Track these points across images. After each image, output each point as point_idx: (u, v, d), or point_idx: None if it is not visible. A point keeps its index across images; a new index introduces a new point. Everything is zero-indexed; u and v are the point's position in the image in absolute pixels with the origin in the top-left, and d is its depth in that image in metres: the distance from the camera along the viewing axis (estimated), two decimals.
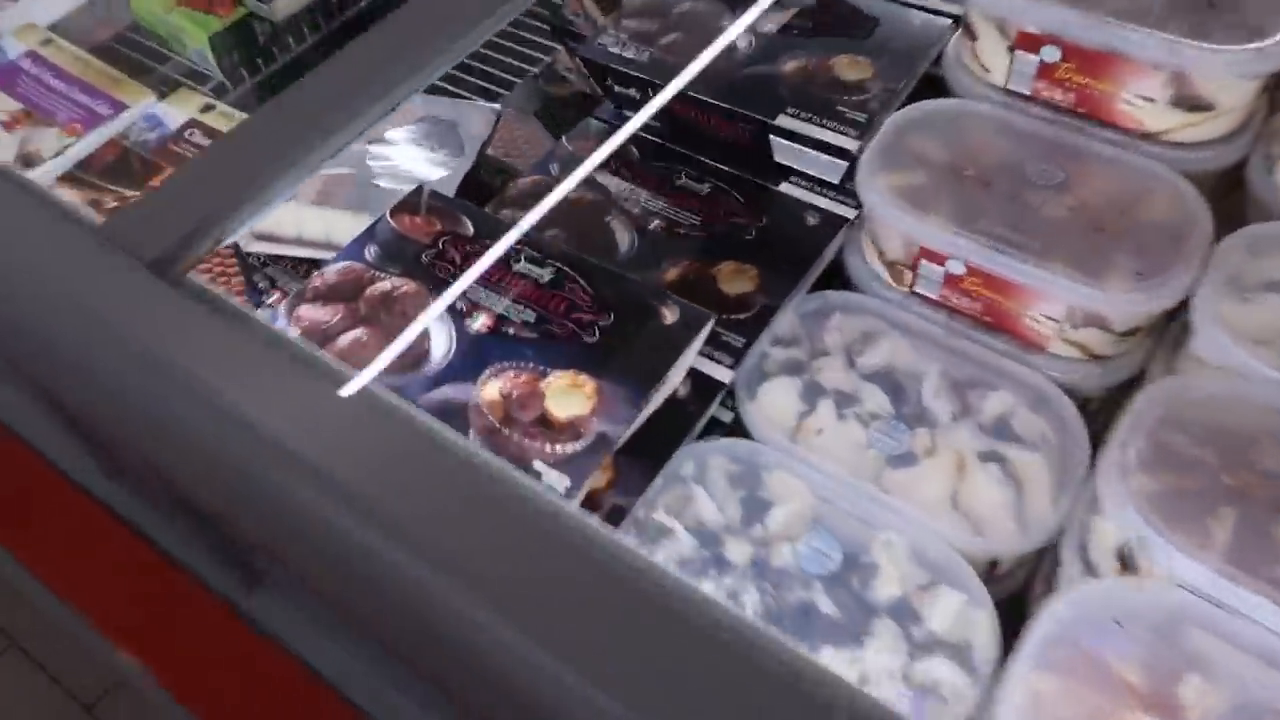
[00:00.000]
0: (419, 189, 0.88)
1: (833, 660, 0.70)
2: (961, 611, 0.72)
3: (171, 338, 0.51)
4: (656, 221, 0.94)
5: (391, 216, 0.86)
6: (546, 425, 0.71)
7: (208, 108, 1.31)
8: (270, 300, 1.00)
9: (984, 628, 0.71)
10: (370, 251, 0.84)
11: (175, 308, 0.53)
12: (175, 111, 1.30)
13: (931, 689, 0.69)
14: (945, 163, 0.88)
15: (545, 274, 0.81)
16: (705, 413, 0.80)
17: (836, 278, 0.94)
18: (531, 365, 0.74)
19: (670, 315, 0.78)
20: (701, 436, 0.82)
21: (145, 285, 0.54)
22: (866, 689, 0.69)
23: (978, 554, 0.75)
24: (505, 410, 0.72)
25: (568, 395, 0.72)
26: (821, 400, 0.83)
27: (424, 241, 0.84)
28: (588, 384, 0.73)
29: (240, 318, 0.53)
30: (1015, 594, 0.79)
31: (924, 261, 0.85)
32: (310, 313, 0.79)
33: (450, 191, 0.99)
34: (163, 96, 1.32)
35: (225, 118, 1.31)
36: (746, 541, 0.76)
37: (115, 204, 1.20)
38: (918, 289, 0.88)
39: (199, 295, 0.53)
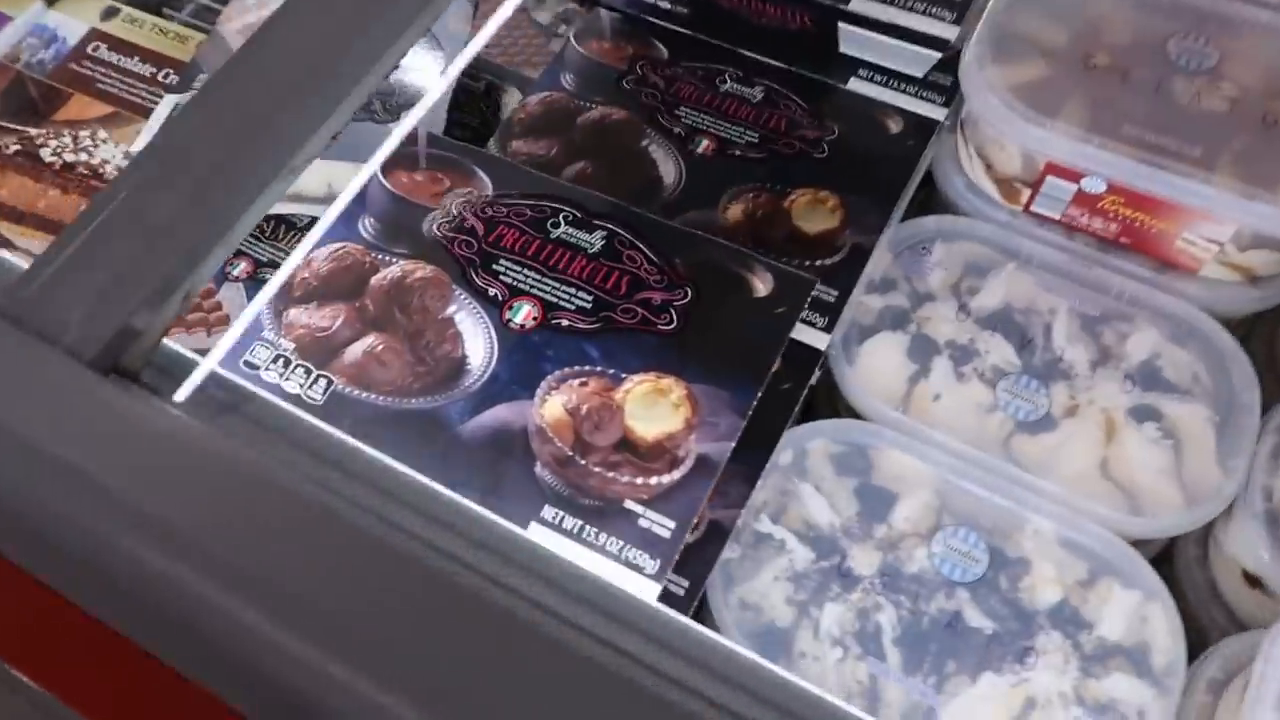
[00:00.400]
0: (413, 135, 0.70)
1: (995, 689, 0.59)
2: (1135, 610, 0.61)
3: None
4: (704, 141, 0.77)
5: (385, 176, 0.68)
6: (631, 449, 0.57)
7: (110, 12, 1.08)
8: (236, 272, 0.82)
9: (1162, 626, 0.61)
10: (367, 225, 0.66)
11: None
12: (70, 21, 1.07)
13: (1109, 707, 0.59)
14: (1068, 49, 0.71)
15: (594, 241, 0.64)
16: (804, 390, 0.66)
17: (922, 193, 0.78)
18: (599, 369, 0.59)
19: (763, 284, 0.62)
20: None
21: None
22: (1034, 717, 0.58)
23: (1136, 533, 0.64)
24: (576, 432, 0.57)
25: (652, 406, 0.58)
26: (936, 359, 0.69)
27: (430, 206, 0.67)
28: (674, 389, 0.58)
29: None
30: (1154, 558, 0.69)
31: (1050, 178, 0.69)
32: (303, 317, 0.62)
33: (440, 121, 0.80)
34: (52, 2, 1.08)
35: (133, 25, 1.08)
36: (871, 545, 0.64)
37: (18, 147, 0.99)
38: (1036, 208, 0.73)
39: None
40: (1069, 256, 0.73)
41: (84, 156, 1.01)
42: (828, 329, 0.68)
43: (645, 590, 0.53)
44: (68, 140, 1.01)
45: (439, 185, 0.67)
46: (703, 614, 0.62)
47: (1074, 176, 0.68)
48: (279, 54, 0.47)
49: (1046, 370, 0.69)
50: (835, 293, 0.69)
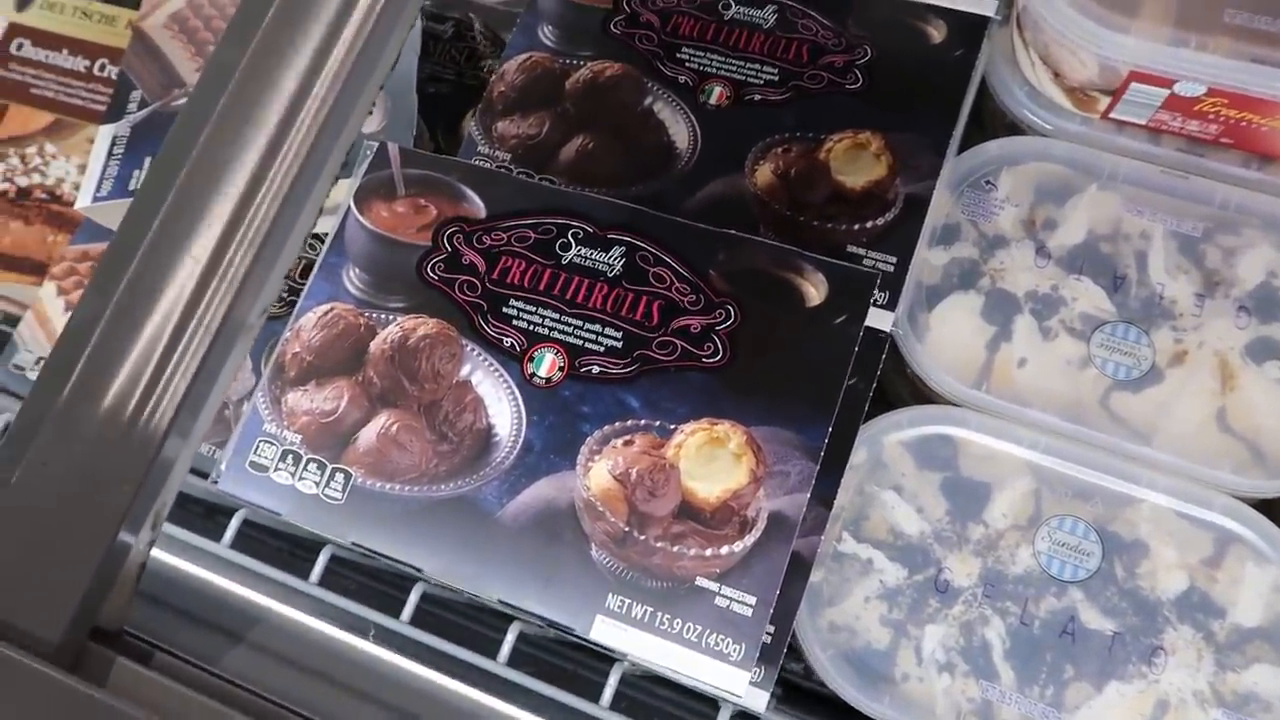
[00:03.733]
0: (382, 150, 0.60)
1: (1122, 698, 0.54)
2: (1273, 586, 0.55)
3: None
4: (716, 89, 0.66)
5: (359, 210, 0.59)
6: (694, 515, 0.51)
7: (25, 2, 0.97)
8: None
9: None
10: (353, 278, 0.58)
11: None
12: None
13: (1250, 700, 0.54)
14: None
15: (613, 261, 0.55)
16: (872, 385, 0.58)
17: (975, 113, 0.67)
18: (643, 422, 0.52)
19: (815, 288, 0.54)
20: None
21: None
22: None
23: (1266, 494, 0.57)
24: (629, 503, 0.51)
25: (710, 461, 0.51)
26: (1017, 317, 0.61)
27: (419, 243, 0.58)
28: (732, 435, 0.51)
29: None
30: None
31: (1135, 85, 0.58)
32: (304, 401, 0.55)
33: (409, 107, 0.69)
34: None
35: (52, 13, 0.97)
36: (969, 551, 0.58)
37: None
38: (1116, 114, 0.62)
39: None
40: (1159, 167, 0.62)
41: (37, 178, 0.92)
42: (889, 305, 0.59)
43: (734, 680, 0.48)
44: (15, 162, 0.91)
45: (425, 215, 0.58)
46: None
47: (1165, 82, 0.57)
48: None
49: (1145, 312, 0.60)
50: (893, 259, 0.60)
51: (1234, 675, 0.54)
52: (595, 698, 0.51)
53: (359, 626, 0.43)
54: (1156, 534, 0.57)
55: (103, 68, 0.92)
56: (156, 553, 0.43)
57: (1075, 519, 0.57)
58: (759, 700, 0.51)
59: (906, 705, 0.55)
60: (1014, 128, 0.66)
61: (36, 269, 0.87)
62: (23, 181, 0.91)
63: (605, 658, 0.52)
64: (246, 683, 0.32)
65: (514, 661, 0.52)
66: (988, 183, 0.63)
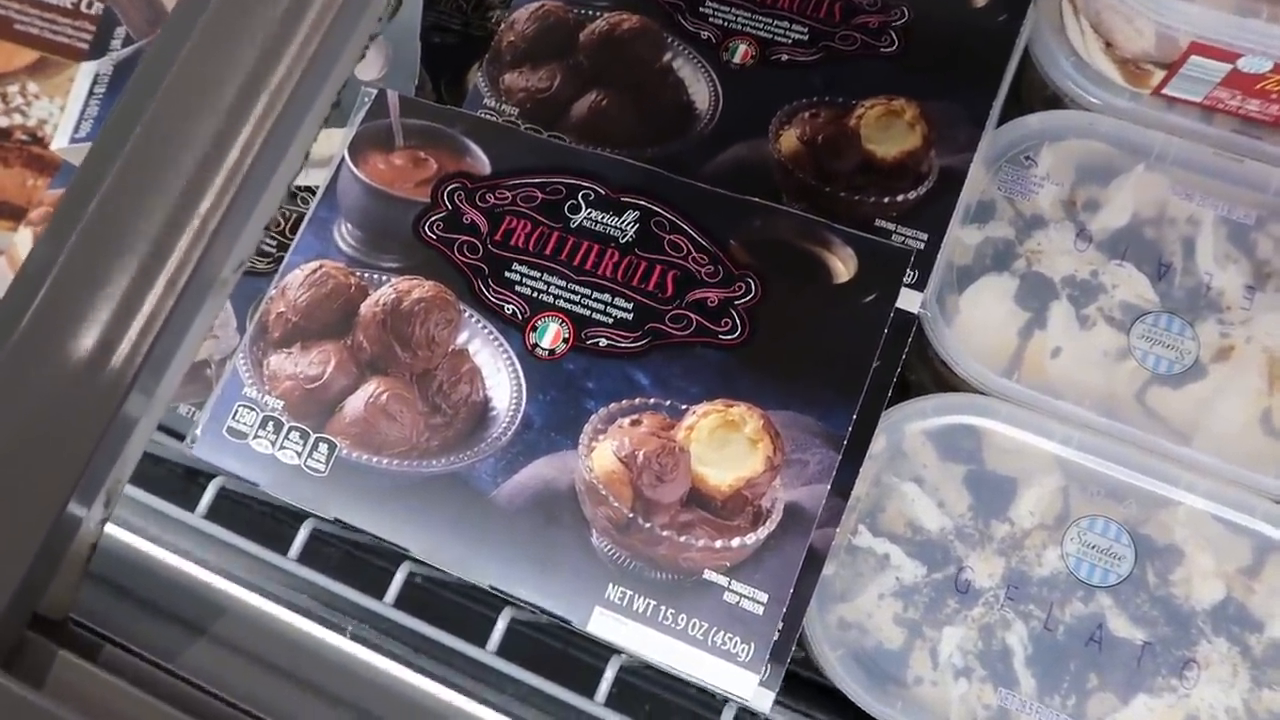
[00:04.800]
0: (380, 98, 0.56)
1: (1151, 713, 0.51)
2: None
3: None
4: (741, 47, 0.61)
5: (354, 161, 0.55)
6: (704, 503, 0.47)
7: None
8: None
9: None
10: (344, 234, 0.54)
11: None
12: None
13: None
14: None
15: (625, 226, 0.51)
16: (896, 370, 0.54)
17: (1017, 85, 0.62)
18: (652, 400, 0.48)
19: (844, 263, 0.50)
20: None
21: None
22: None
23: None
24: (635, 487, 0.47)
25: (723, 445, 0.47)
26: (1053, 304, 0.57)
27: (417, 199, 0.54)
28: (748, 419, 0.47)
29: None
30: None
31: (1195, 58, 0.54)
32: (288, 365, 0.51)
33: (411, 55, 0.65)
34: None
35: None
36: (992, 550, 0.54)
37: None
38: (1169, 90, 0.57)
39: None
40: (1212, 148, 0.58)
41: (18, 119, 0.87)
42: (919, 285, 0.55)
43: (741, 682, 0.45)
44: None
45: (424, 169, 0.54)
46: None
47: (1229, 56, 0.53)
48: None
49: (1190, 303, 0.57)
50: (924, 236, 0.56)
51: (1270, 693, 0.51)
52: (591, 692, 0.48)
53: (336, 623, 0.39)
54: (1193, 539, 0.53)
55: (90, 4, 0.87)
56: (113, 528, 0.39)
57: (1107, 520, 0.54)
58: (764, 700, 0.48)
59: (918, 710, 0.52)
60: (1054, 100, 0.62)
61: (15, 214, 0.82)
62: (3, 122, 0.87)
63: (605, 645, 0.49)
64: (208, 682, 0.29)
65: (506, 646, 0.49)
66: (1027, 158, 0.59)
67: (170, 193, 0.33)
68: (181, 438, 0.55)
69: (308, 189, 0.63)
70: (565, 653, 0.58)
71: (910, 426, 0.56)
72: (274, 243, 0.63)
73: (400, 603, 0.49)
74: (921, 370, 0.61)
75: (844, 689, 0.53)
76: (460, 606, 0.56)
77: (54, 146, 0.65)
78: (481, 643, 0.49)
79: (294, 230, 0.57)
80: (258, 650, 0.32)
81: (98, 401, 0.31)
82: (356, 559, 0.56)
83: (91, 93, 0.68)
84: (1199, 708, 0.51)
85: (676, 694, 0.63)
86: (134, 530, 0.46)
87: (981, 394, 0.56)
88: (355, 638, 0.37)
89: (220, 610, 0.34)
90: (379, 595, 0.49)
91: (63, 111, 0.82)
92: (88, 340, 0.31)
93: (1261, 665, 0.51)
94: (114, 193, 0.33)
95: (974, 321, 0.57)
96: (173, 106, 0.35)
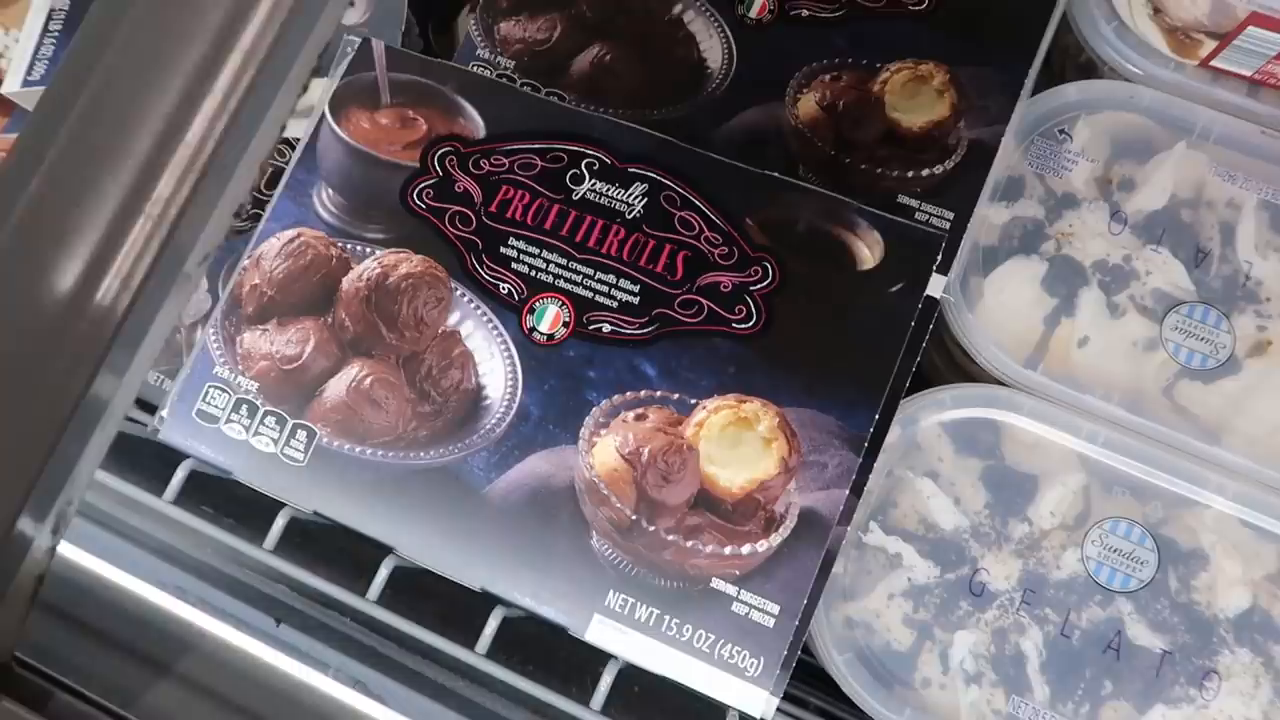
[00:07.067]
0: (364, 48, 0.51)
1: None
2: None
3: None
4: (756, 2, 0.56)
5: (335, 118, 0.50)
6: (713, 506, 0.44)
7: None
8: None
9: None
10: (325, 200, 0.49)
11: None
12: None
13: None
14: None
15: (632, 199, 0.47)
16: (916, 358, 0.51)
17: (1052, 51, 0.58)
18: (659, 393, 0.45)
19: (871, 250, 0.46)
20: None
21: None
22: None
23: None
24: (639, 487, 0.44)
25: (735, 445, 0.44)
26: (1082, 290, 0.54)
27: (405, 162, 0.49)
28: (762, 416, 0.44)
29: None
30: None
31: (1252, 28, 0.50)
32: (263, 343, 0.47)
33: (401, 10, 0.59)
34: None
35: None
36: (1009, 551, 0.52)
37: None
38: (1218, 63, 0.53)
39: None
40: (1259, 126, 0.54)
41: None
42: (943, 267, 0.52)
43: (749, 699, 0.42)
44: None
45: (413, 129, 0.49)
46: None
47: None
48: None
49: (1227, 293, 0.53)
50: (950, 214, 0.53)
51: None
52: (586, 700, 0.45)
53: (317, 657, 0.36)
54: (1219, 544, 0.51)
55: None
56: (67, 545, 0.35)
57: (1130, 522, 0.51)
58: (768, 708, 0.45)
59: (926, 713, 0.50)
60: (1087, 68, 0.58)
61: None
62: None
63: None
64: None
65: (494, 649, 0.46)
66: (1062, 132, 0.55)
67: (124, 171, 0.29)
68: (151, 410, 0.51)
69: (286, 141, 0.58)
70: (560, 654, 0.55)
71: (926, 418, 0.53)
72: (250, 199, 0.58)
73: (384, 599, 0.46)
74: (937, 356, 0.58)
75: (847, 689, 0.51)
76: (450, 601, 0.53)
77: (5, 90, 0.60)
78: (470, 643, 0.46)
79: (271, 186, 0.53)
80: (228, 692, 0.29)
81: (44, 412, 0.27)
82: (339, 550, 0.53)
83: (46, 30, 0.62)
84: (1218, 719, 0.49)
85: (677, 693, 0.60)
86: (96, 521, 0.42)
87: (1002, 385, 0.53)
88: (338, 676, 0.34)
89: (187, 645, 0.30)
90: (362, 593, 0.46)
91: (18, 45, 0.75)
92: (32, 339, 0.27)
93: None
94: (58, 170, 0.29)
95: (998, 307, 0.54)
96: (129, 61, 0.31)
